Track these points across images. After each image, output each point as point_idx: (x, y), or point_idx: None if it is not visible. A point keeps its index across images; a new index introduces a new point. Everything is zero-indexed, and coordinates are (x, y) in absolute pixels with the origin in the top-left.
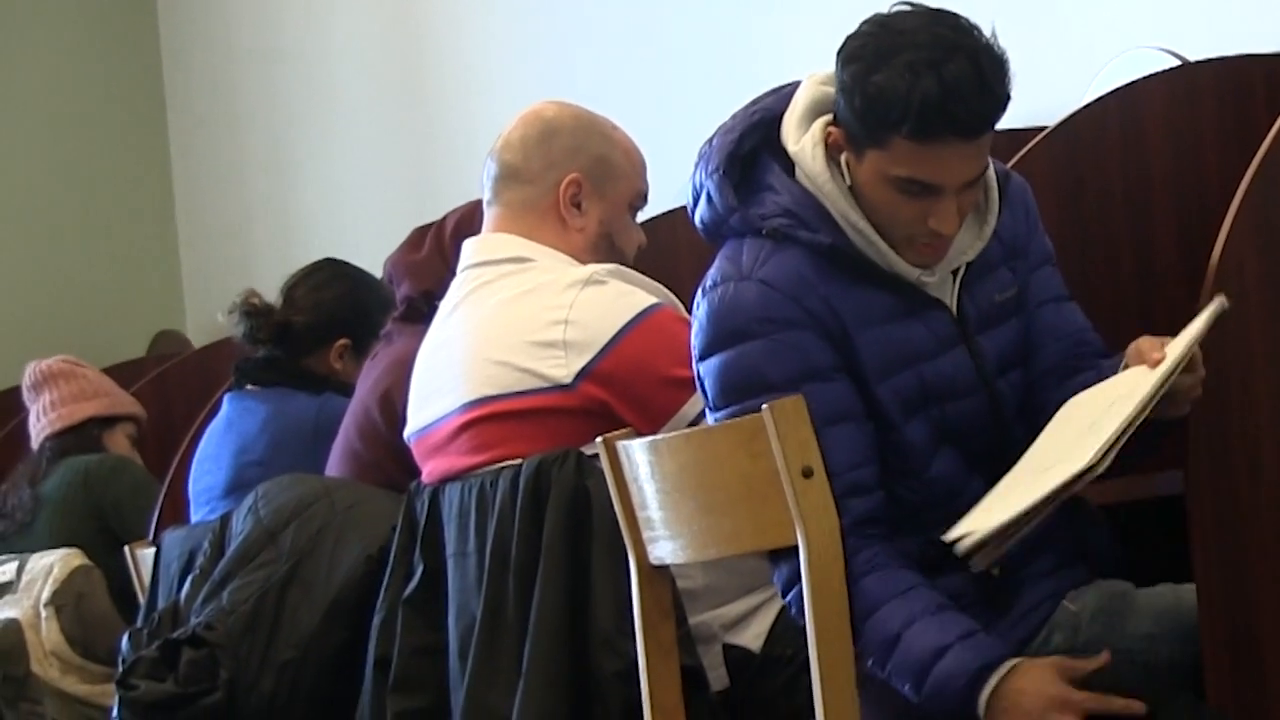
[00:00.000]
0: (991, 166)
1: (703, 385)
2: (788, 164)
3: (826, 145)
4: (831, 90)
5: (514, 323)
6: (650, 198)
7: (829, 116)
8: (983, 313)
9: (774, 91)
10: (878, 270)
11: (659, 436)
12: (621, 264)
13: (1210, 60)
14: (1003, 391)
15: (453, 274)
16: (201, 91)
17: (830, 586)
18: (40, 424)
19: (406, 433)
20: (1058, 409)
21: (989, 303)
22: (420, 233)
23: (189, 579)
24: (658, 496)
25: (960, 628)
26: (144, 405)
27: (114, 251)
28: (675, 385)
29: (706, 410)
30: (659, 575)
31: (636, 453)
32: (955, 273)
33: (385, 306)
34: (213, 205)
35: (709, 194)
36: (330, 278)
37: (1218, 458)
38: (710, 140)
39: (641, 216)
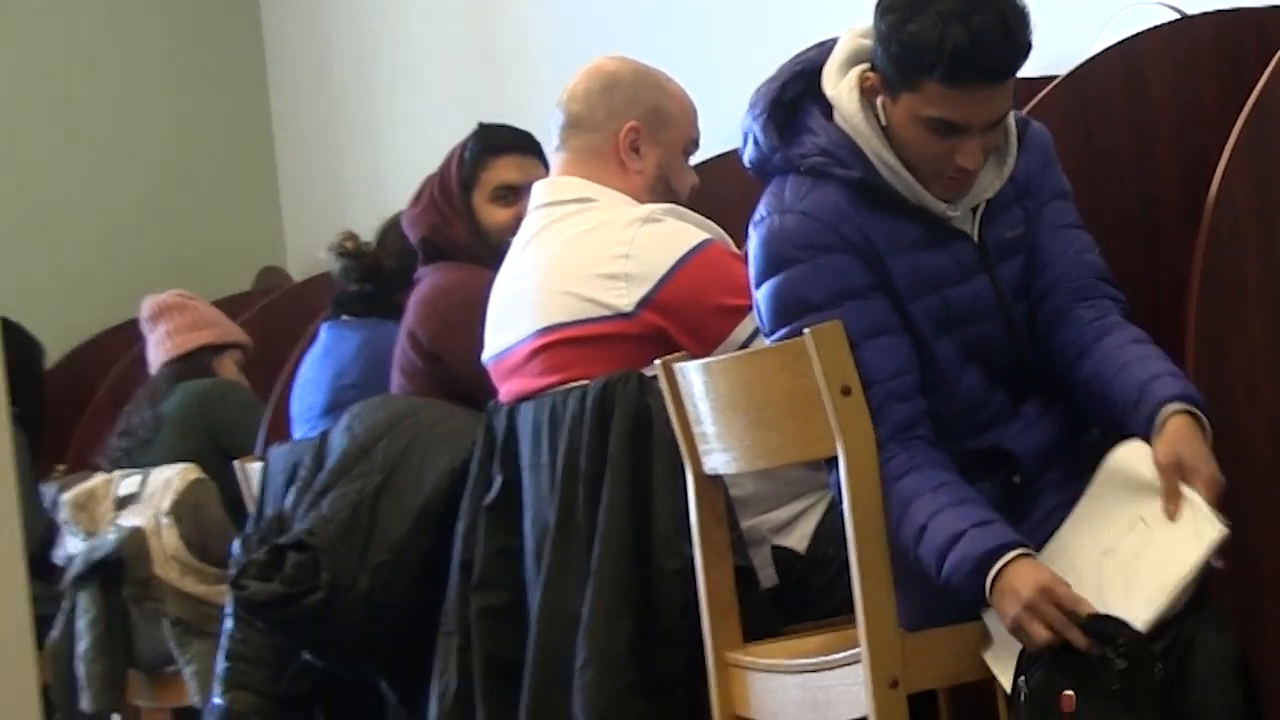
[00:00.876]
0: (1011, 113)
1: (759, 311)
2: (826, 109)
3: (863, 90)
4: (868, 43)
5: (580, 257)
6: (701, 143)
7: (866, 65)
8: (999, 246)
9: (816, 45)
10: (906, 203)
11: (712, 359)
12: (676, 204)
13: (1207, 14)
14: (1017, 318)
15: (443, 218)
16: (298, 45)
17: (867, 492)
18: (157, 352)
19: (484, 356)
20: (1060, 351)
21: (1002, 238)
22: (424, 185)
23: (292, 490)
24: (711, 413)
25: (976, 515)
26: (250, 334)
27: (221, 195)
28: (726, 312)
29: (763, 333)
30: (713, 484)
31: (691, 374)
32: (975, 209)
33: None
34: (309, 151)
35: (755, 137)
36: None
37: (1217, 376)
38: (759, 89)
39: (694, 160)
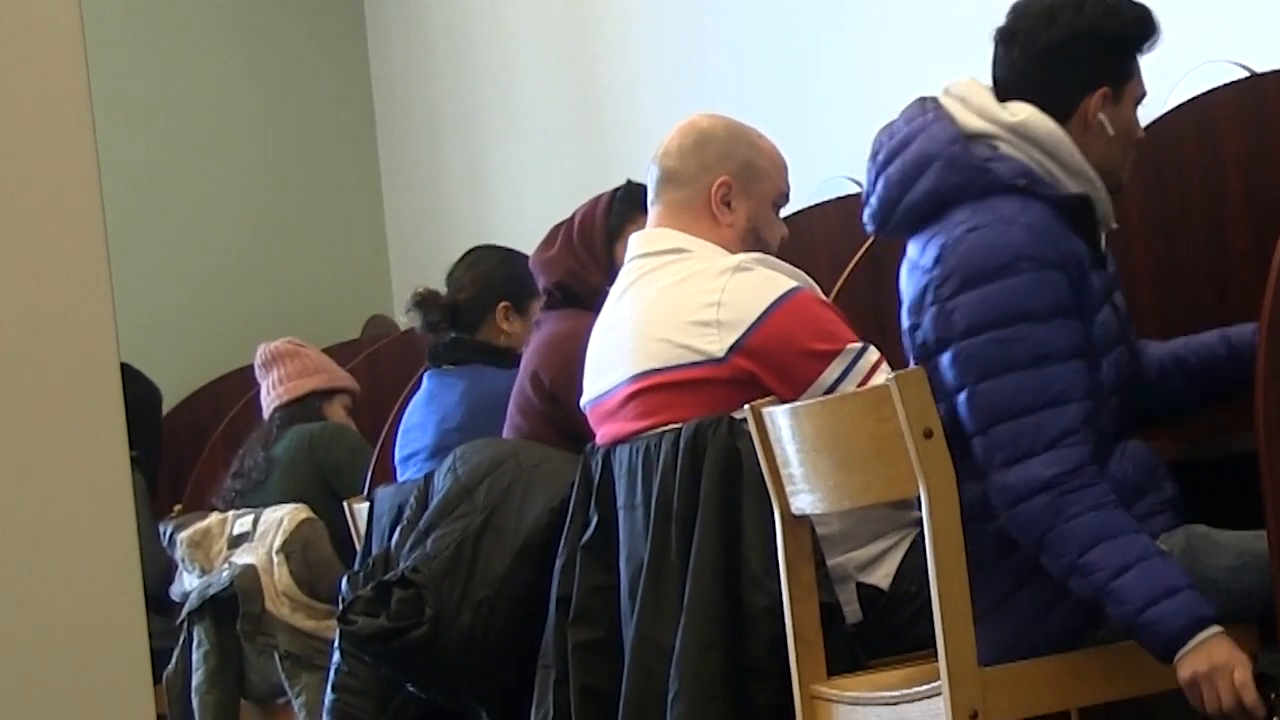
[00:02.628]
0: None
1: (948, 318)
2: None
3: (1087, 118)
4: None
5: (674, 305)
6: (791, 196)
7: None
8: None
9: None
10: (1089, 222)
11: (799, 403)
12: (766, 254)
13: (1276, 71)
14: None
15: (580, 264)
16: (406, 101)
17: (948, 531)
18: (270, 397)
19: (582, 401)
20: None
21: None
22: (554, 230)
23: (398, 529)
24: (798, 456)
25: (1187, 579)
26: (358, 380)
27: (332, 247)
28: (815, 357)
29: (950, 341)
30: (800, 524)
31: (779, 418)
32: None
33: (529, 269)
34: (416, 204)
35: (944, 164)
36: (480, 256)
37: None
38: (878, 137)
39: (783, 213)
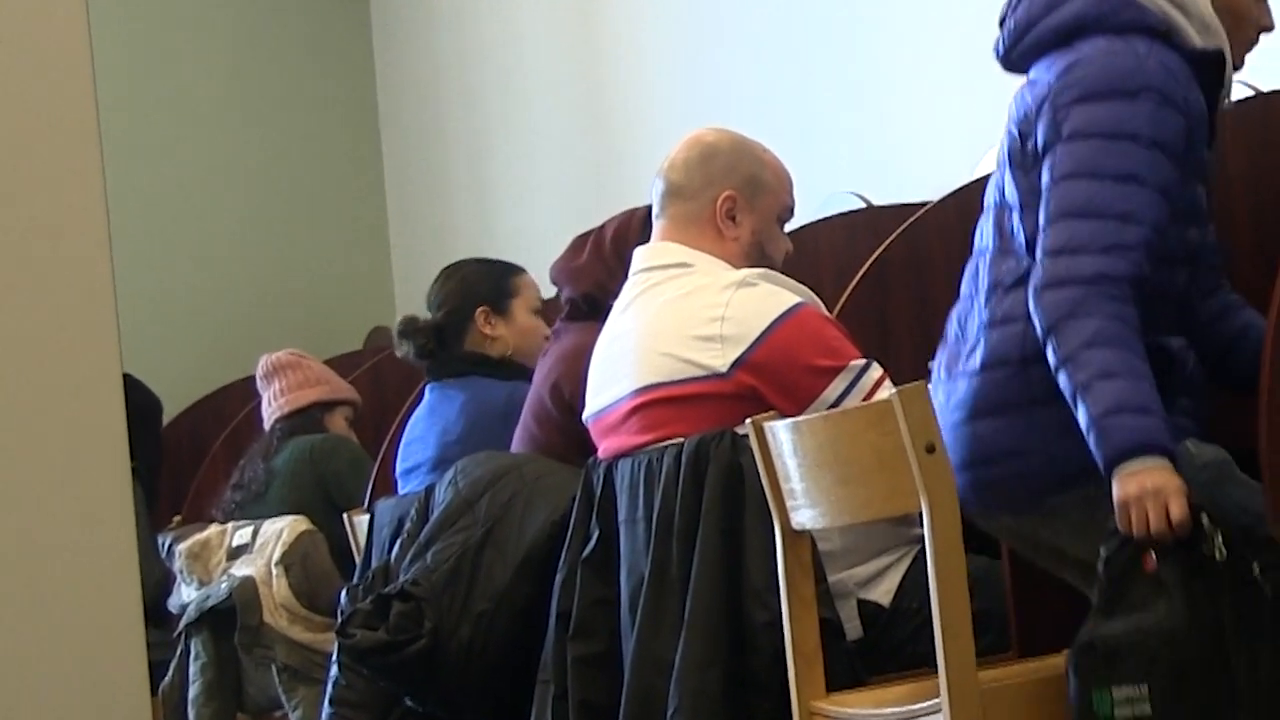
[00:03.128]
0: None
1: (1059, 123)
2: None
3: None
4: None
5: (678, 319)
6: (795, 211)
7: None
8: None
9: None
10: (1215, 85)
11: (801, 418)
12: (771, 269)
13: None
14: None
15: (611, 276)
16: (411, 116)
17: (949, 547)
18: (271, 408)
19: (585, 415)
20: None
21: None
22: (581, 240)
23: (398, 542)
24: (799, 470)
25: (1162, 409)
26: (359, 392)
27: (336, 259)
28: (818, 373)
29: (1054, 143)
30: (800, 539)
31: (780, 433)
32: None
33: (501, 269)
34: (420, 219)
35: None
36: (450, 272)
37: None
38: None
39: (788, 227)
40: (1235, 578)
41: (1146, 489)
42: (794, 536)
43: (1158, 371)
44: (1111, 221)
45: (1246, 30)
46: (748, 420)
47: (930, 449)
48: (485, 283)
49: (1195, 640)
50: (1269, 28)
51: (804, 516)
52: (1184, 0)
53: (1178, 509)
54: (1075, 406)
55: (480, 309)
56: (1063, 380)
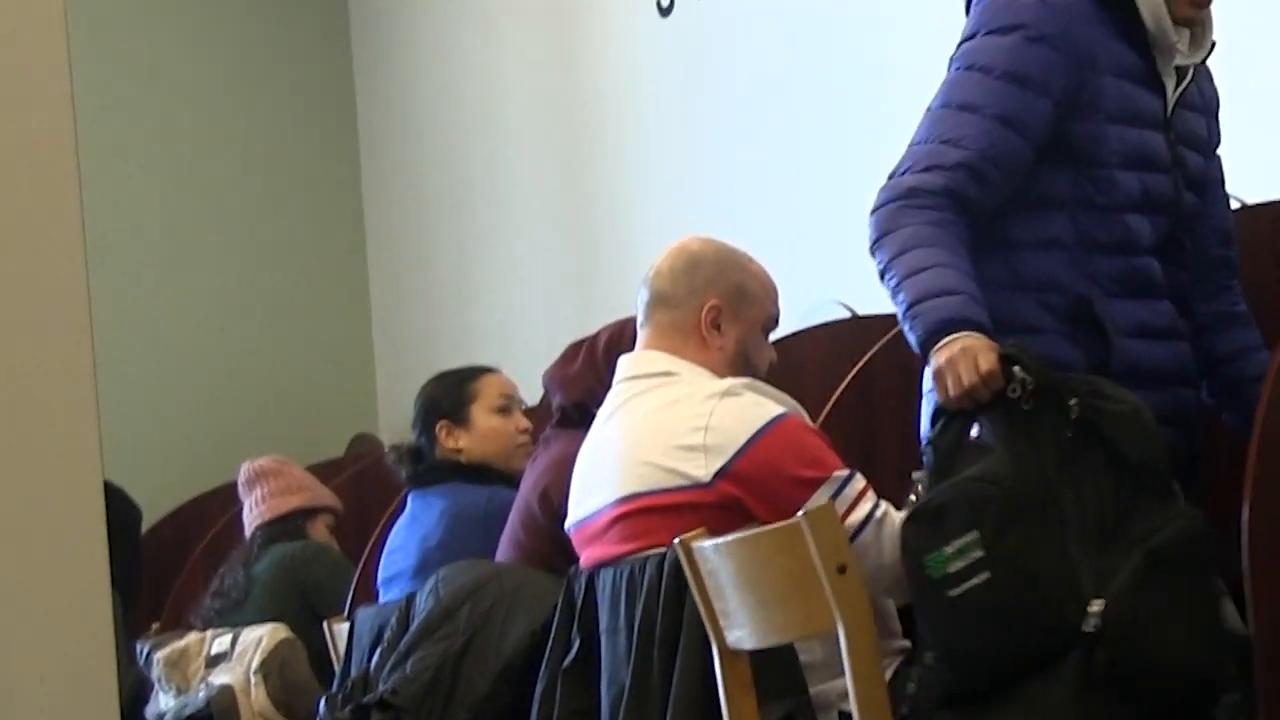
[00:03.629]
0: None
1: (952, 56)
2: None
3: None
4: None
5: (661, 428)
6: (780, 320)
7: None
8: (1185, 128)
9: None
10: (1139, 32)
11: (720, 540)
12: (755, 378)
13: (1267, 203)
14: (1186, 199)
15: (602, 384)
16: (396, 224)
17: (869, 669)
18: (253, 514)
19: (567, 524)
20: (1209, 304)
21: (1189, 127)
22: (574, 348)
23: (378, 651)
24: (728, 590)
25: (972, 289)
26: (341, 499)
27: (319, 367)
28: (801, 483)
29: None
30: (738, 657)
31: (708, 552)
32: (1181, 80)
33: (457, 378)
34: (403, 327)
35: None
36: (419, 391)
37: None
38: None
39: (773, 336)
40: (1053, 418)
41: (955, 353)
42: (730, 655)
43: (1077, 327)
44: (936, 145)
45: None
46: (677, 539)
47: (841, 569)
48: (443, 396)
49: (1020, 480)
50: None
51: (735, 636)
52: None
53: (986, 361)
54: (897, 309)
55: (440, 424)
56: (887, 288)
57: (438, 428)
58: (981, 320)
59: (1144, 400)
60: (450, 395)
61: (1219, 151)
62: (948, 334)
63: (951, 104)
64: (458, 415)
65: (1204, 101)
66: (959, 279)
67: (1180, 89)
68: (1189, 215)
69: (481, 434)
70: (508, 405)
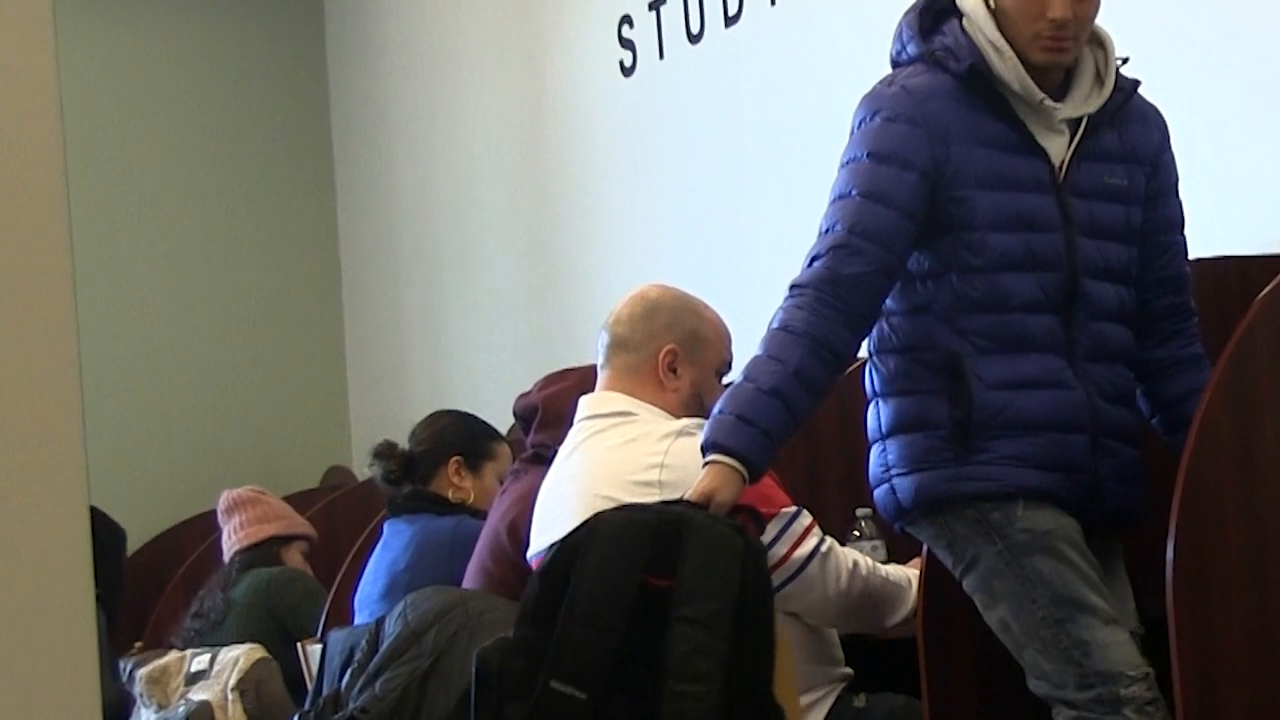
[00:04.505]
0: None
1: (845, 151)
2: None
3: None
4: None
5: (619, 465)
6: (733, 364)
7: None
8: (1087, 182)
9: None
10: (1005, 103)
11: None
12: (708, 419)
13: (1197, 260)
14: (1086, 249)
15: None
16: (370, 265)
17: None
18: (231, 541)
19: (529, 554)
20: (1156, 351)
21: (1096, 180)
22: (556, 376)
23: (349, 671)
24: None
25: (754, 411)
26: (315, 527)
27: (295, 403)
28: (750, 520)
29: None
30: None
31: None
32: (1074, 134)
33: (485, 431)
34: (376, 366)
35: (901, 32)
36: (440, 414)
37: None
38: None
39: (726, 379)
40: None
41: (707, 472)
42: None
43: (949, 382)
44: (818, 237)
45: (1025, 26)
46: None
47: None
48: (468, 436)
49: None
50: (1054, 16)
51: None
52: (970, 21)
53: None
54: None
55: (455, 458)
56: None
57: (452, 460)
58: (731, 446)
59: (1014, 447)
60: (475, 441)
61: (1167, 196)
62: (707, 453)
63: (831, 198)
64: (473, 461)
65: (1124, 148)
66: (745, 394)
67: (1076, 142)
68: (1098, 269)
69: (485, 489)
70: (504, 478)
